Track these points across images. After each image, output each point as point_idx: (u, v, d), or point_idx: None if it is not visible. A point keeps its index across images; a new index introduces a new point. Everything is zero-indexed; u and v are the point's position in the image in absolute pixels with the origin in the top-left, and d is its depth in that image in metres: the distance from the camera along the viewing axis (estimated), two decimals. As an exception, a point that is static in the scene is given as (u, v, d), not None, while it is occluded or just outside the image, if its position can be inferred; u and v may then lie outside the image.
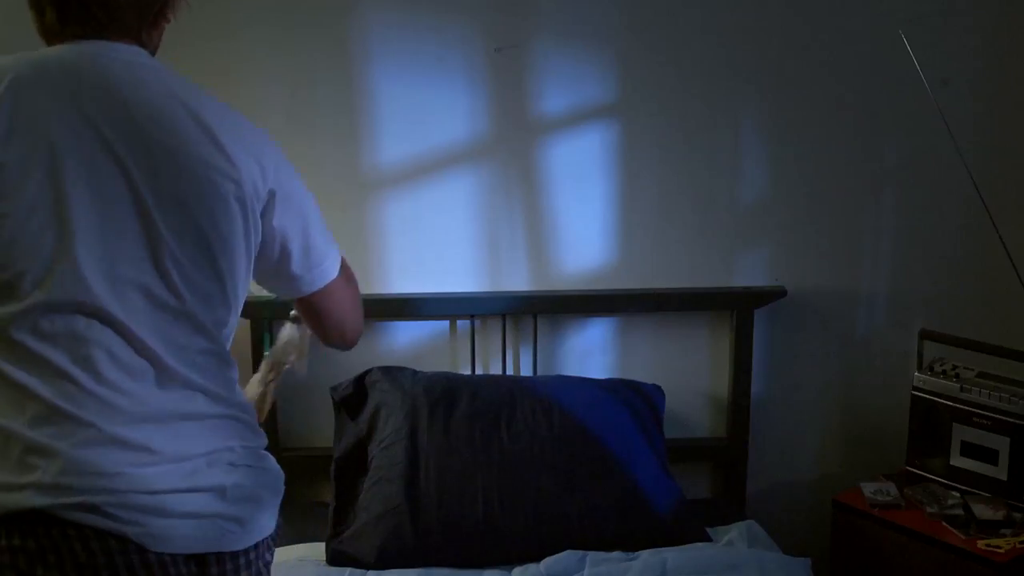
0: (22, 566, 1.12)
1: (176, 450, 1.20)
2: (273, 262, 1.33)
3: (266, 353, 1.74)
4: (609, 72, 2.37)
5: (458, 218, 2.40)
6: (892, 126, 2.46)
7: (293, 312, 1.56)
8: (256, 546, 1.29)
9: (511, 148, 2.39)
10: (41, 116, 1.16)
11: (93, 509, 1.13)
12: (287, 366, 1.68)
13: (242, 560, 1.27)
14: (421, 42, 2.30)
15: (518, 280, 2.44)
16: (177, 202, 1.20)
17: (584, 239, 2.43)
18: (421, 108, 2.33)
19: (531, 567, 1.98)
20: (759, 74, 2.40)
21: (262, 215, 1.27)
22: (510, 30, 2.29)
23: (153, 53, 1.30)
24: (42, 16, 1.24)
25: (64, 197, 1.15)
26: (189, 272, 1.21)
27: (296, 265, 1.35)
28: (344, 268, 1.44)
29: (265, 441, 1.34)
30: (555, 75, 2.35)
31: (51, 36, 1.25)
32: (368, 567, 1.99)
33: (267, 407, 1.67)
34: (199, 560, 1.22)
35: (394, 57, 2.30)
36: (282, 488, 1.36)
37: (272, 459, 1.35)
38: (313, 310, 1.45)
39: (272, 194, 1.28)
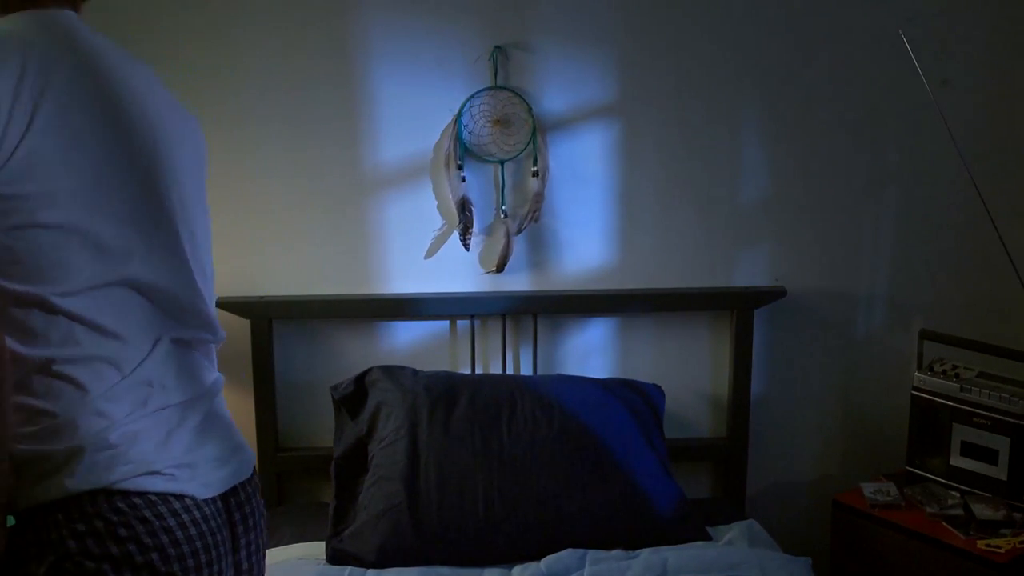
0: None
1: None
2: None
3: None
4: (609, 72, 2.37)
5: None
6: (892, 126, 2.46)
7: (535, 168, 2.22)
8: None
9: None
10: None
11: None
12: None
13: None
14: (421, 43, 2.30)
15: (518, 280, 2.44)
16: None
17: (584, 239, 2.43)
18: (421, 108, 2.33)
19: (531, 566, 1.98)
20: (759, 74, 2.41)
21: None
22: (510, 31, 2.29)
23: None
24: None
25: None
26: None
27: None
28: None
29: None
30: (555, 75, 2.35)
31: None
32: (368, 566, 1.99)
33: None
34: None
35: (394, 57, 2.30)
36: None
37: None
38: None
39: None
